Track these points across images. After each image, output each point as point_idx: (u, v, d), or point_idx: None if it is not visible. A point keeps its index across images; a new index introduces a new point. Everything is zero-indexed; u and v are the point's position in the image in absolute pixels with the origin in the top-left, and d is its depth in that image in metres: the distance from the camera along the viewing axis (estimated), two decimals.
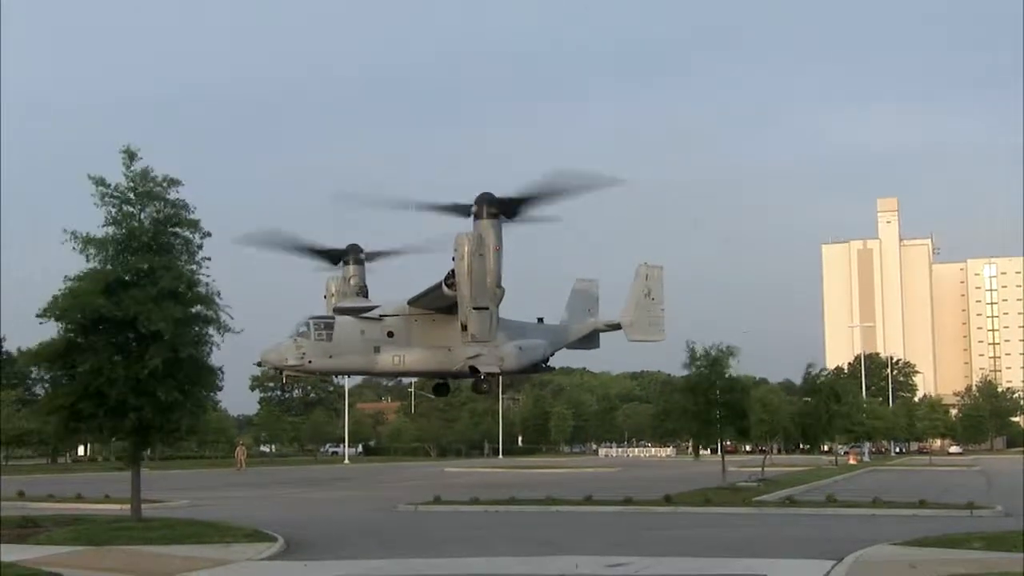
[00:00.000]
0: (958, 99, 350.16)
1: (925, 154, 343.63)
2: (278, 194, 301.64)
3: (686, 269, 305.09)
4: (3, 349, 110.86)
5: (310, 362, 49.81)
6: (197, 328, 24.93)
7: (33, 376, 77.90)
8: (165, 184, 24.88)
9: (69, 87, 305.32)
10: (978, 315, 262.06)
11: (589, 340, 62.35)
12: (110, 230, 24.65)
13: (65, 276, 24.43)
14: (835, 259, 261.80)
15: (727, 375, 43.01)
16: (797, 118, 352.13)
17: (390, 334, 50.76)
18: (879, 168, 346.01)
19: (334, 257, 55.93)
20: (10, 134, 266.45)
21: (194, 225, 25.11)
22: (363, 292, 55.32)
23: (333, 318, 51.51)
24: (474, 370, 51.12)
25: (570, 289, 60.46)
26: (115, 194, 24.65)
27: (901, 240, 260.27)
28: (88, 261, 24.51)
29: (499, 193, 44.00)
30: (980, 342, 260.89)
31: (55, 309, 24.13)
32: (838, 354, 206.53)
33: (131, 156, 24.90)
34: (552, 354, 59.49)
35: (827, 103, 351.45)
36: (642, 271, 58.51)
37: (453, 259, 45.66)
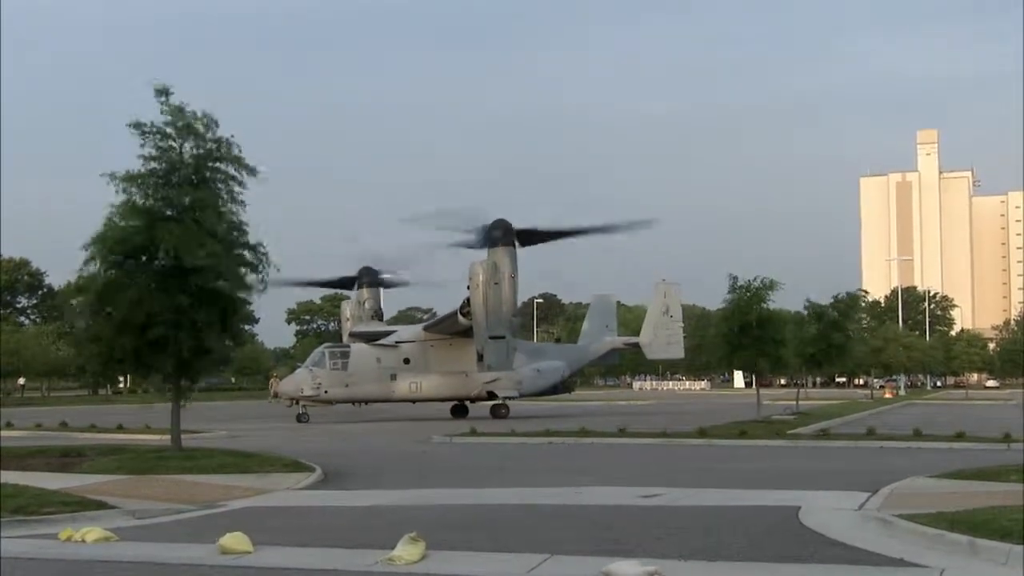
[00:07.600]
0: (1002, 27, 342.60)
1: (968, 84, 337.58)
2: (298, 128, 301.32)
3: (724, 199, 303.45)
4: (44, 284, 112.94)
5: (326, 392, 50.03)
6: (239, 259, 24.98)
7: (74, 308, 78.87)
8: (204, 120, 24.61)
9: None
10: (1018, 248, 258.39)
11: (608, 357, 63.24)
12: (152, 165, 24.50)
13: (107, 206, 24.33)
14: (873, 192, 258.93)
15: (765, 307, 42.62)
16: (838, 47, 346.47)
17: (406, 360, 50.57)
18: (920, 99, 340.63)
19: (347, 281, 56.18)
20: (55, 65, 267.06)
21: (239, 161, 24.86)
22: (378, 315, 55.37)
23: (348, 347, 51.72)
24: (492, 395, 51.12)
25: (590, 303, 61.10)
26: (154, 130, 24.40)
27: (941, 172, 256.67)
28: (132, 198, 24.45)
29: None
30: (1020, 275, 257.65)
31: (98, 242, 24.16)
32: (875, 287, 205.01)
33: (165, 93, 24.59)
34: (571, 375, 59.93)
35: (867, 32, 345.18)
36: (660, 288, 58.68)
37: (468, 288, 45.28)
